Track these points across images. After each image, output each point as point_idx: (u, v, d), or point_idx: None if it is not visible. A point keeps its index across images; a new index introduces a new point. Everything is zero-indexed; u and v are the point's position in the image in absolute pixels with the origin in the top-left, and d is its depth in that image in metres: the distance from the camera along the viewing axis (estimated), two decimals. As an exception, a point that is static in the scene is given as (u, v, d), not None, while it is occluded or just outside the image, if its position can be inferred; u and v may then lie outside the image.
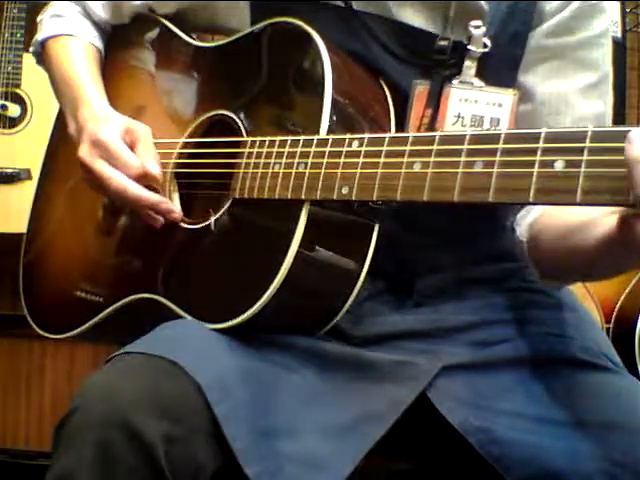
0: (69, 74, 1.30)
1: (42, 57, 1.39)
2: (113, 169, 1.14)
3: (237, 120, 1.14)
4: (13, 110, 2.70)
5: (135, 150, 1.16)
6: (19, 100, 2.70)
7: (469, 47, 1.09)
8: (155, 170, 1.14)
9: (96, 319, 1.25)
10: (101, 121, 1.19)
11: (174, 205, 1.17)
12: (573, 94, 1.15)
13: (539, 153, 0.83)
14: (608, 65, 1.18)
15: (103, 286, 1.27)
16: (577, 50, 1.15)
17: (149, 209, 1.15)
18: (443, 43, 1.10)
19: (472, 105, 1.09)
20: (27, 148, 2.65)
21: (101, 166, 1.15)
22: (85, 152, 1.17)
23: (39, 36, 1.38)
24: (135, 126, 1.19)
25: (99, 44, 1.37)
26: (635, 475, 0.97)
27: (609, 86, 1.19)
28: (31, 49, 1.42)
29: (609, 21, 1.19)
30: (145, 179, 1.14)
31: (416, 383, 1.06)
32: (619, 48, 2.94)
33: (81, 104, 1.25)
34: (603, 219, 0.92)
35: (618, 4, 2.91)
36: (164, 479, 0.90)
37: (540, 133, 0.83)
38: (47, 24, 1.37)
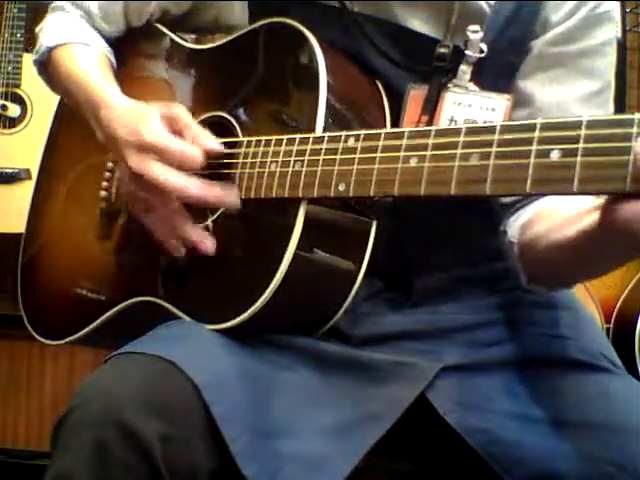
0: (83, 78, 1.22)
1: (46, 66, 1.31)
2: (170, 169, 1.04)
3: (232, 121, 1.14)
4: (13, 110, 2.70)
5: (185, 136, 1.06)
6: (19, 100, 2.70)
7: (466, 51, 1.09)
8: (215, 145, 1.06)
9: (95, 324, 1.24)
10: (138, 122, 1.08)
11: (208, 235, 1.09)
12: (573, 101, 1.14)
13: (535, 143, 0.83)
14: (611, 74, 1.17)
15: (102, 290, 1.27)
16: (579, 58, 1.14)
17: (213, 203, 1.07)
18: (443, 50, 1.09)
19: (466, 109, 1.09)
20: (27, 148, 2.65)
21: (156, 169, 1.04)
22: (135, 161, 1.06)
23: (46, 42, 1.29)
24: (172, 112, 1.08)
25: (110, 56, 1.31)
26: (635, 477, 0.97)
27: (610, 95, 1.18)
28: (34, 57, 1.33)
29: (615, 30, 1.18)
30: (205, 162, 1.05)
31: (416, 384, 1.06)
32: (619, 48, 2.94)
33: (104, 107, 1.16)
34: (587, 214, 0.91)
35: (618, 4, 2.91)
36: (161, 479, 0.90)
37: (535, 124, 0.83)
38: (52, 33, 1.30)
